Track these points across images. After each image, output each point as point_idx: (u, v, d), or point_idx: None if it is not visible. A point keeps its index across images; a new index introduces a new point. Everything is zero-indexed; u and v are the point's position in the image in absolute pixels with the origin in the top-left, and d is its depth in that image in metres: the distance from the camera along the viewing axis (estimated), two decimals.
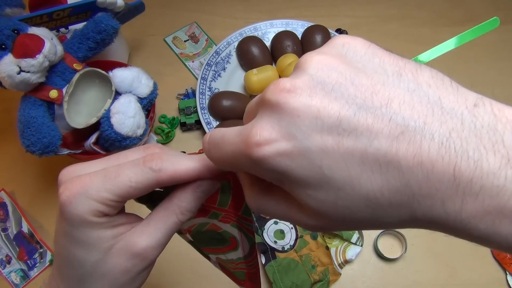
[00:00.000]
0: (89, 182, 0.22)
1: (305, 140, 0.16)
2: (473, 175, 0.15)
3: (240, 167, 0.20)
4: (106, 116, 0.50)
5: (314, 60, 0.18)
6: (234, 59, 0.71)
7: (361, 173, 0.16)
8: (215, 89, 0.68)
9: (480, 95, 0.16)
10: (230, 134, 0.20)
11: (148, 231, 0.24)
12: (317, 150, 0.16)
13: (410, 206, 0.16)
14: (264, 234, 0.55)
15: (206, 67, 0.69)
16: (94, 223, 0.23)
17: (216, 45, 0.72)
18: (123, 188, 0.23)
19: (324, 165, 0.16)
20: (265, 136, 0.17)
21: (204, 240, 0.31)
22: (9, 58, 0.46)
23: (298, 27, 0.72)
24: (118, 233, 0.24)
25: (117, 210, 0.24)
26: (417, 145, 0.15)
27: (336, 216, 0.18)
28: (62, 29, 0.61)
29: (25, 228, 0.58)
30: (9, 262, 0.57)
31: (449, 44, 0.26)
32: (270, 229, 0.56)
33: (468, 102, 0.16)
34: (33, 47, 0.45)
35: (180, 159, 0.24)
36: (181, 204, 0.25)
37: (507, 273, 0.54)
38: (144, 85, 0.54)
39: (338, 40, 0.19)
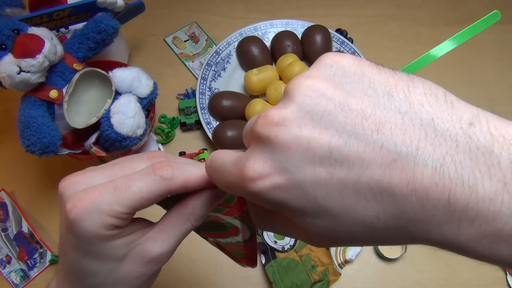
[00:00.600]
0: (99, 196, 0.22)
1: (298, 173, 0.17)
2: (469, 201, 0.14)
3: (240, 195, 0.21)
4: (106, 116, 0.50)
5: (302, 86, 0.17)
6: (234, 59, 0.71)
7: (356, 202, 0.16)
8: (215, 89, 0.68)
9: (476, 109, 0.16)
10: (228, 163, 0.20)
11: (162, 238, 0.24)
12: (310, 182, 0.16)
13: (407, 230, 0.16)
14: (264, 234, 0.55)
15: (206, 67, 0.69)
16: (107, 236, 0.22)
17: (216, 45, 0.72)
18: (135, 200, 0.22)
19: (319, 196, 0.17)
20: (258, 171, 0.17)
21: (205, 227, 0.31)
22: (9, 58, 0.46)
23: (298, 27, 0.72)
24: (131, 241, 0.24)
25: (128, 221, 0.23)
26: (410, 173, 0.15)
27: (335, 238, 0.18)
28: (62, 29, 0.60)
29: (25, 228, 0.58)
30: (9, 262, 0.57)
31: (451, 43, 0.26)
32: None
33: (463, 121, 0.15)
34: (33, 47, 0.45)
35: (189, 167, 0.24)
36: (195, 212, 0.25)
37: (507, 273, 0.54)
38: (144, 85, 0.54)
39: (327, 60, 0.18)
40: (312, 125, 0.16)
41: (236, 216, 0.29)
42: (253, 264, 0.35)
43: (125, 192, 0.22)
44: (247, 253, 0.33)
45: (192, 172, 0.24)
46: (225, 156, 0.21)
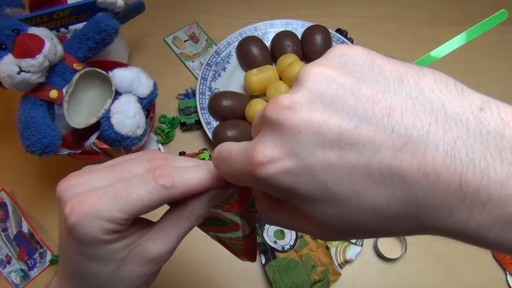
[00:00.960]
0: (99, 202, 0.22)
1: (308, 157, 0.16)
2: (480, 185, 0.14)
3: (248, 184, 0.20)
4: (106, 116, 0.50)
5: (313, 72, 0.17)
6: (234, 59, 0.71)
7: (366, 187, 0.16)
8: (215, 89, 0.68)
9: (486, 97, 0.16)
10: (236, 152, 0.20)
11: (162, 238, 0.24)
12: (320, 166, 0.16)
13: (417, 217, 0.16)
14: (264, 234, 0.55)
15: (206, 67, 0.69)
16: (106, 240, 0.22)
17: (216, 45, 0.72)
18: (135, 207, 0.22)
19: (329, 181, 0.16)
20: (268, 156, 0.17)
21: (205, 222, 0.31)
22: (9, 58, 0.46)
23: (298, 27, 0.72)
24: (131, 243, 0.24)
25: (128, 226, 0.23)
26: (421, 156, 0.15)
27: (344, 227, 0.18)
28: (62, 29, 0.60)
29: (25, 228, 0.58)
30: (9, 262, 0.57)
31: (459, 40, 0.26)
32: (270, 229, 0.56)
33: (474, 106, 0.15)
34: (33, 47, 0.45)
35: (190, 172, 0.23)
36: (195, 212, 0.25)
37: (507, 273, 0.54)
38: (144, 85, 0.54)
39: (337, 51, 0.19)
40: (323, 109, 0.16)
41: (236, 213, 0.29)
42: (252, 258, 0.35)
43: (126, 199, 0.22)
44: (246, 248, 0.33)
45: (193, 178, 0.23)
46: (233, 146, 0.21)
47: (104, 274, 0.24)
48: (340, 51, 0.18)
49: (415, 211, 0.16)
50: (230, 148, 0.21)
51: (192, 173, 0.24)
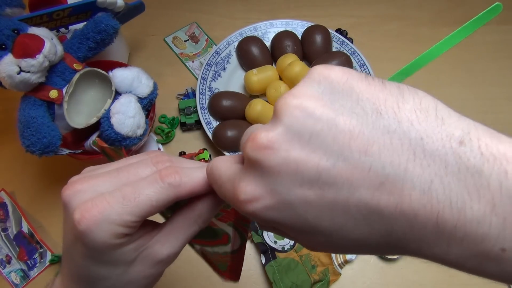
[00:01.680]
0: (108, 207, 0.22)
1: (288, 195, 0.17)
2: (457, 223, 0.14)
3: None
4: (106, 116, 0.50)
5: (290, 107, 0.17)
6: (234, 59, 0.71)
7: (345, 222, 0.16)
8: (215, 89, 0.68)
9: (468, 125, 0.15)
10: (224, 178, 0.21)
11: (170, 240, 0.25)
12: (300, 203, 0.17)
13: (398, 246, 0.16)
14: (264, 234, 0.55)
15: (206, 67, 0.69)
16: (117, 244, 0.23)
17: (216, 45, 0.72)
18: (144, 208, 0.22)
19: (309, 216, 0.17)
20: (250, 194, 0.18)
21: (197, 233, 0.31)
22: (9, 58, 0.46)
23: (298, 27, 0.72)
24: (140, 246, 0.24)
25: (137, 228, 0.23)
26: (398, 195, 0.15)
27: (331, 249, 0.19)
28: (62, 29, 0.60)
29: (25, 228, 0.58)
30: (9, 262, 0.57)
31: (453, 38, 0.26)
32: None
33: (453, 140, 0.15)
34: (33, 47, 0.45)
35: (196, 172, 0.24)
36: (203, 215, 0.25)
37: None
38: (144, 85, 0.54)
39: (315, 76, 0.18)
40: (301, 147, 0.17)
41: (230, 223, 0.29)
42: (236, 278, 0.34)
43: (134, 201, 0.22)
44: (232, 265, 0.33)
45: (199, 177, 0.24)
46: (223, 168, 0.22)
47: (113, 277, 0.24)
48: (318, 76, 0.18)
49: (396, 242, 0.16)
50: (221, 171, 0.22)
51: (198, 172, 0.24)
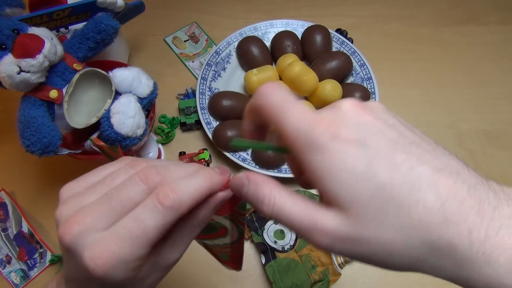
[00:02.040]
0: (120, 250, 0.21)
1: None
2: None
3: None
4: (106, 116, 0.50)
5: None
6: (234, 59, 0.71)
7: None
8: (215, 89, 0.68)
9: None
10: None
11: (177, 246, 0.26)
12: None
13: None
14: (264, 234, 0.55)
15: (206, 67, 0.69)
16: (135, 273, 0.23)
17: (216, 45, 0.72)
18: (153, 237, 0.22)
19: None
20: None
21: None
22: (9, 58, 0.46)
23: (298, 27, 0.73)
24: (153, 262, 0.25)
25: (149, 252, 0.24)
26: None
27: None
28: (62, 29, 0.60)
29: (25, 228, 0.58)
30: (9, 262, 0.57)
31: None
32: (270, 229, 0.56)
33: None
34: (33, 47, 0.45)
35: (190, 182, 0.23)
36: (205, 218, 0.26)
37: None
38: (144, 85, 0.54)
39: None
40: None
41: (226, 216, 0.30)
42: (238, 267, 0.35)
43: (142, 235, 0.22)
44: (233, 255, 0.33)
45: (195, 189, 0.23)
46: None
47: None
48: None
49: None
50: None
51: (193, 184, 0.23)
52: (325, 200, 0.21)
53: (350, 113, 0.21)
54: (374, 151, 0.19)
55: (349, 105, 0.22)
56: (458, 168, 0.20)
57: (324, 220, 0.20)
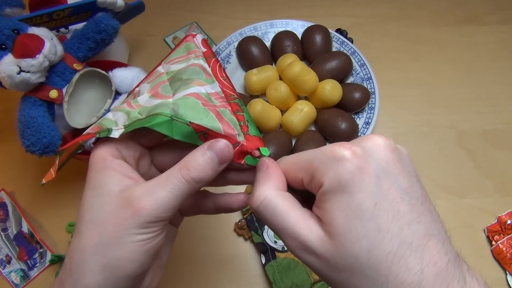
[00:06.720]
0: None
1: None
2: None
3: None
4: None
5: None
6: (234, 59, 0.71)
7: None
8: None
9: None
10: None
11: (147, 185, 0.25)
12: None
13: None
14: (264, 234, 0.55)
15: None
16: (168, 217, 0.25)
17: (216, 45, 0.72)
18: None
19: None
20: None
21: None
22: (9, 58, 0.46)
23: (298, 27, 0.72)
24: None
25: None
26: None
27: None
28: (62, 29, 0.61)
29: (25, 228, 0.58)
30: (9, 262, 0.57)
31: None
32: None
33: None
34: (33, 47, 0.45)
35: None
36: (187, 160, 0.26)
37: (507, 273, 0.54)
38: None
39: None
40: None
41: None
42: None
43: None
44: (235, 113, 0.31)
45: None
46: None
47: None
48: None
49: None
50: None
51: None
52: (319, 212, 0.22)
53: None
54: (384, 193, 0.20)
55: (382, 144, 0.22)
56: (445, 238, 0.21)
57: (308, 232, 0.22)
